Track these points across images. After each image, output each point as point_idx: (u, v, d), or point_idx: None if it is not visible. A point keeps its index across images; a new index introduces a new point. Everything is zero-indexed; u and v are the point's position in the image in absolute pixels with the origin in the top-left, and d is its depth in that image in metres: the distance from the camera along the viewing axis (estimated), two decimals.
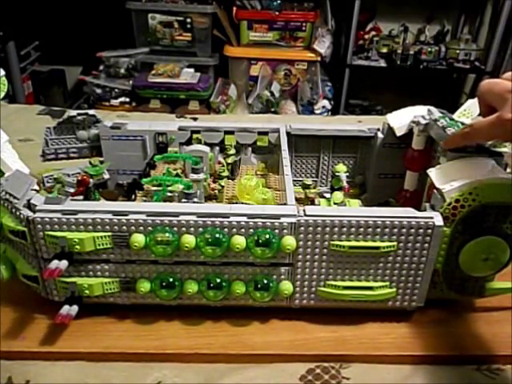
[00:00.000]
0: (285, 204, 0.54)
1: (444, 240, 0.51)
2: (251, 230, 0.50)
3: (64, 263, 0.49)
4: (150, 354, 0.52)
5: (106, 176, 0.69)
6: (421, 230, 0.50)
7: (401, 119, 0.67)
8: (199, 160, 0.65)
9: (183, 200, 0.61)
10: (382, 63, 2.24)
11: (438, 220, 0.50)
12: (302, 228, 0.50)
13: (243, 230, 0.50)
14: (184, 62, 2.16)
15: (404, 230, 0.50)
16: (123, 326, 0.55)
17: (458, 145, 0.53)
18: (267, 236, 0.50)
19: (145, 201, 0.66)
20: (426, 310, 0.56)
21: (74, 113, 0.71)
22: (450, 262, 0.53)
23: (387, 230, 0.50)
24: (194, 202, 0.60)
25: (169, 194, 0.63)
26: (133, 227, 0.50)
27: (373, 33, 2.27)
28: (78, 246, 0.50)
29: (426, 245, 0.51)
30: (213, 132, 0.72)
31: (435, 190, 0.52)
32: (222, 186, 0.68)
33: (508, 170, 0.52)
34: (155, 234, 0.49)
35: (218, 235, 0.49)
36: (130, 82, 2.15)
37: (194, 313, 0.56)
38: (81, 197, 0.63)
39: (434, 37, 2.31)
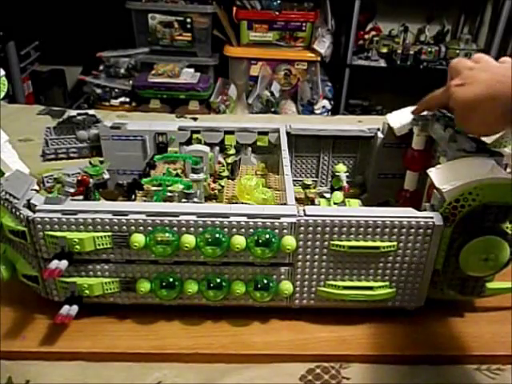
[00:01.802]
0: (285, 204, 0.54)
1: (444, 240, 0.51)
2: (251, 230, 0.50)
3: (64, 263, 0.49)
4: (150, 354, 0.52)
5: (106, 176, 0.69)
6: (421, 230, 0.50)
7: (401, 119, 0.67)
8: (199, 160, 0.65)
9: (183, 200, 0.61)
10: (382, 63, 2.24)
11: (438, 220, 0.50)
12: (302, 228, 0.50)
13: (243, 230, 0.50)
14: (184, 61, 2.16)
15: (404, 230, 0.50)
16: (123, 326, 0.55)
17: (420, 111, 0.63)
18: (267, 236, 0.50)
19: (145, 201, 0.66)
20: (426, 310, 0.56)
21: (73, 113, 0.71)
22: (449, 262, 0.53)
23: (387, 230, 0.50)
24: (194, 202, 0.60)
25: (169, 194, 0.63)
26: (133, 227, 0.50)
27: (373, 33, 2.27)
28: (78, 246, 0.50)
29: (426, 245, 0.51)
30: (213, 132, 0.72)
31: (435, 190, 0.52)
32: (222, 186, 0.68)
33: (508, 169, 0.52)
34: (155, 234, 0.49)
35: (218, 235, 0.49)
36: (130, 81, 2.15)
37: (194, 313, 0.56)
38: (81, 197, 0.63)
39: (433, 37, 2.31)
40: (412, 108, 0.66)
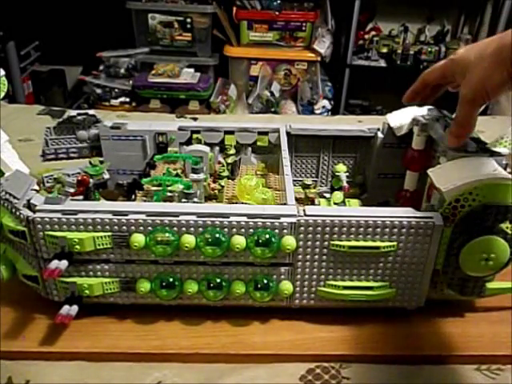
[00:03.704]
0: (285, 204, 0.54)
1: (444, 240, 0.51)
2: (251, 230, 0.50)
3: (64, 263, 0.49)
4: (150, 354, 0.52)
5: (106, 176, 0.69)
6: (421, 230, 0.50)
7: (401, 119, 0.67)
8: (199, 160, 0.65)
9: (183, 200, 0.61)
10: (382, 63, 2.24)
11: (438, 220, 0.50)
12: (302, 228, 0.50)
13: (243, 230, 0.50)
14: (184, 61, 2.16)
15: (404, 230, 0.50)
16: (123, 326, 0.55)
17: (415, 93, 0.58)
18: (267, 236, 0.50)
19: (145, 201, 0.66)
20: (426, 310, 0.56)
21: (73, 113, 0.70)
22: (449, 262, 0.53)
23: (387, 229, 0.50)
24: (194, 202, 0.60)
25: (169, 194, 0.63)
26: (133, 227, 0.50)
27: (373, 33, 2.27)
28: (78, 246, 0.50)
29: (426, 245, 0.51)
30: (213, 132, 0.72)
31: (435, 190, 0.52)
32: (222, 186, 0.68)
33: (508, 169, 0.52)
34: (155, 234, 0.49)
35: (217, 235, 0.49)
36: (130, 81, 2.15)
37: (194, 313, 0.56)
38: (81, 197, 0.63)
39: (433, 37, 2.31)
40: (412, 108, 0.66)
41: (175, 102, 2.14)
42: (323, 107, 2.16)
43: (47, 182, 0.68)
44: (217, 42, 2.18)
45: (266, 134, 0.73)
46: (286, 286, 0.53)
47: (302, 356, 0.53)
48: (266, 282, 0.52)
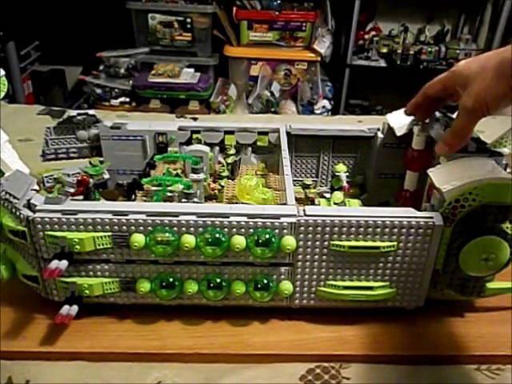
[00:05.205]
0: (285, 204, 0.54)
1: (444, 240, 0.51)
2: (251, 230, 0.50)
3: (64, 263, 0.49)
4: (150, 354, 0.52)
5: (106, 176, 0.69)
6: (421, 230, 0.50)
7: (401, 119, 0.66)
8: (199, 160, 0.65)
9: (183, 200, 0.61)
10: (382, 63, 2.24)
11: (438, 220, 0.50)
12: (302, 228, 0.50)
13: (243, 230, 0.50)
14: (184, 61, 2.16)
15: (404, 230, 0.50)
16: (123, 326, 0.55)
17: (416, 105, 0.60)
18: (267, 236, 0.50)
19: (145, 201, 0.66)
20: (426, 310, 0.56)
21: (74, 113, 0.70)
22: (449, 262, 0.53)
23: (387, 229, 0.50)
24: (194, 202, 0.60)
25: (169, 194, 0.63)
26: (133, 227, 0.50)
27: (373, 33, 2.27)
28: (78, 246, 0.50)
29: (426, 245, 0.51)
30: (213, 132, 0.72)
31: (435, 190, 0.52)
32: (222, 186, 0.68)
33: (508, 169, 0.52)
34: (155, 234, 0.49)
35: (218, 235, 0.49)
36: (130, 81, 2.15)
37: (193, 313, 0.56)
38: (81, 197, 0.63)
39: (433, 37, 2.31)
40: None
41: (175, 101, 2.15)
42: (323, 107, 2.16)
43: (47, 182, 0.68)
44: (217, 42, 2.19)
45: (265, 134, 0.73)
46: (286, 286, 0.53)
47: (302, 356, 0.53)
48: (266, 281, 0.52)
